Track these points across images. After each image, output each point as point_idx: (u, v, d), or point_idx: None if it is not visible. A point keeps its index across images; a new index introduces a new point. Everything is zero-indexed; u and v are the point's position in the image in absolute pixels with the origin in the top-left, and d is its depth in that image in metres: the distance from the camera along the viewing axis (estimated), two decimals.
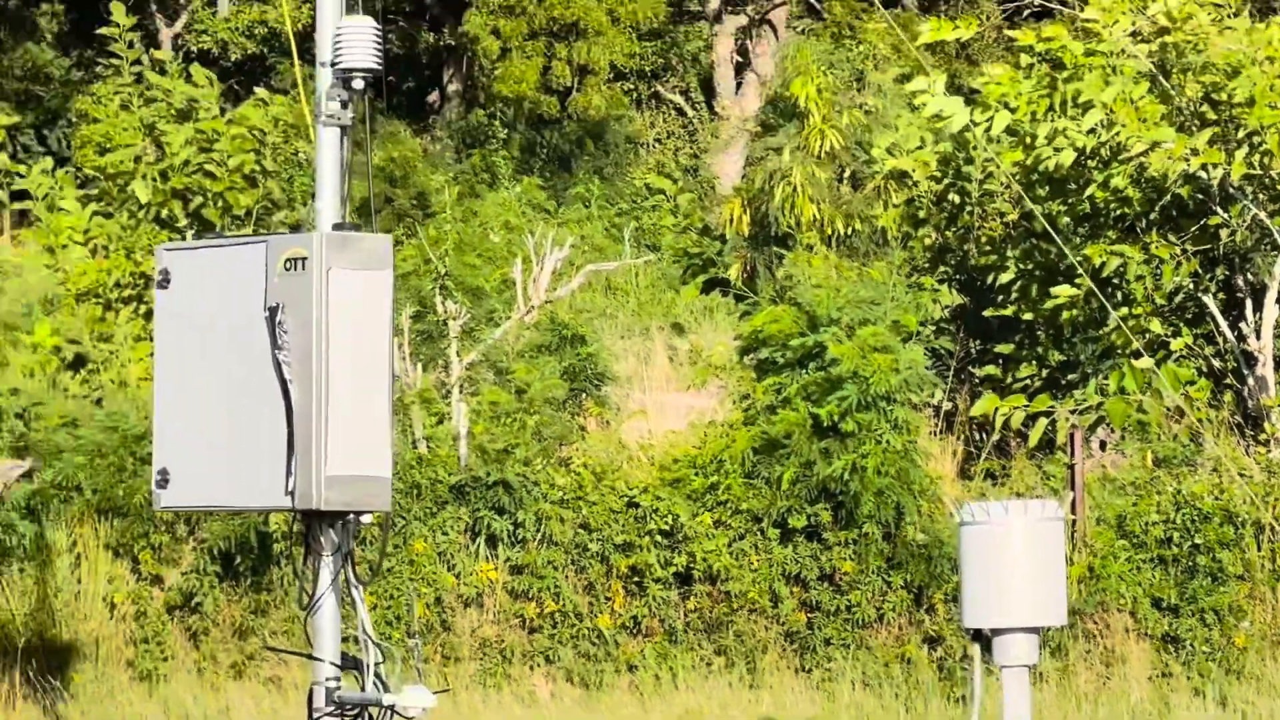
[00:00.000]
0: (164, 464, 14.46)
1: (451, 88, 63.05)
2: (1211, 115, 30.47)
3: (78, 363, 35.38)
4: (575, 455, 30.07)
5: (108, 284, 37.81)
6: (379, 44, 14.80)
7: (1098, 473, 28.37)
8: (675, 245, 51.44)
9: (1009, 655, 14.93)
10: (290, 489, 13.86)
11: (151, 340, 34.58)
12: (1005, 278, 31.97)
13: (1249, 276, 30.44)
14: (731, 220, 49.68)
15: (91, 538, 26.70)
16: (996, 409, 31.22)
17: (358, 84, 14.58)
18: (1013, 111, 31.97)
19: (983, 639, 15.32)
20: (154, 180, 41.48)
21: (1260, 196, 30.26)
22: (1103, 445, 29.55)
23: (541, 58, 58.26)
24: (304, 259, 13.82)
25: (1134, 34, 31.54)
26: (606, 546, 28.02)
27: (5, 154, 41.95)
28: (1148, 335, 30.43)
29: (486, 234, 45.31)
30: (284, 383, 13.88)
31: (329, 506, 13.95)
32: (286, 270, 13.83)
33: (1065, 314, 31.01)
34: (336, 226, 14.34)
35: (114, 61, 45.33)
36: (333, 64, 14.53)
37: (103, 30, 46.34)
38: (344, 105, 14.70)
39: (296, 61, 19.09)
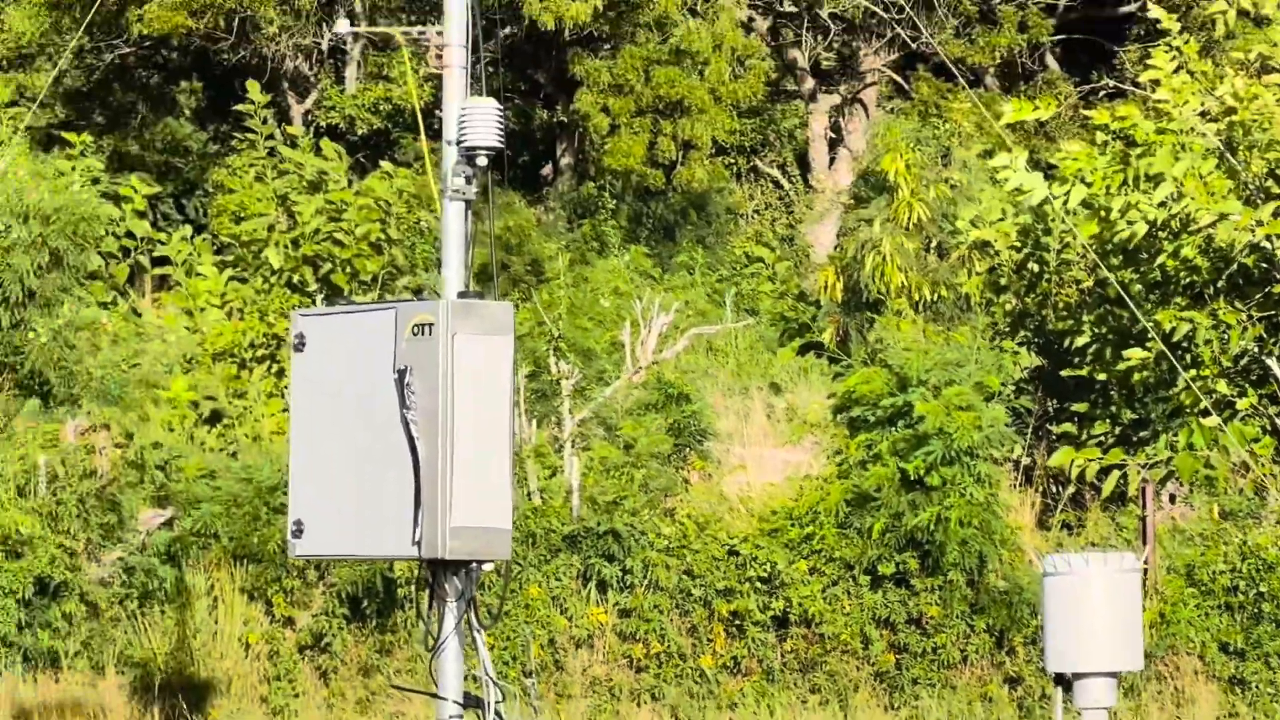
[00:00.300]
0: (299, 515, 14.51)
1: (564, 161, 63.00)
2: (1276, 189, 30.32)
3: (214, 418, 35.48)
4: (680, 506, 30.04)
5: (242, 344, 37.92)
6: (501, 123, 14.80)
7: (1168, 524, 28.26)
8: (773, 310, 51.43)
9: (1089, 698, 14.84)
10: (417, 539, 13.92)
11: (283, 397, 34.68)
12: (1081, 341, 31.87)
13: None
14: (825, 287, 49.57)
15: (228, 582, 26.70)
16: (1072, 462, 31.11)
17: (481, 161, 14.60)
18: (1088, 186, 31.85)
19: (1064, 682, 15.12)
20: (286, 247, 41.48)
21: None
22: (1172, 498, 29.41)
23: (648, 134, 58.17)
24: (431, 325, 13.85)
25: (1203, 113, 31.41)
26: (709, 592, 28.05)
27: (147, 222, 41.97)
28: (1215, 395, 30.28)
29: (597, 299, 45.27)
30: (412, 440, 13.90)
31: (453, 556, 14.03)
32: (414, 335, 13.89)
33: (1137, 375, 30.91)
34: (461, 294, 14.41)
35: (249, 136, 45.35)
36: (458, 142, 14.54)
37: (239, 107, 46.46)
38: (468, 180, 14.72)
39: (423, 136, 19.02)
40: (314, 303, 38.60)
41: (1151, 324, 30.38)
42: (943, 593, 26.58)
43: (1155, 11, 34.80)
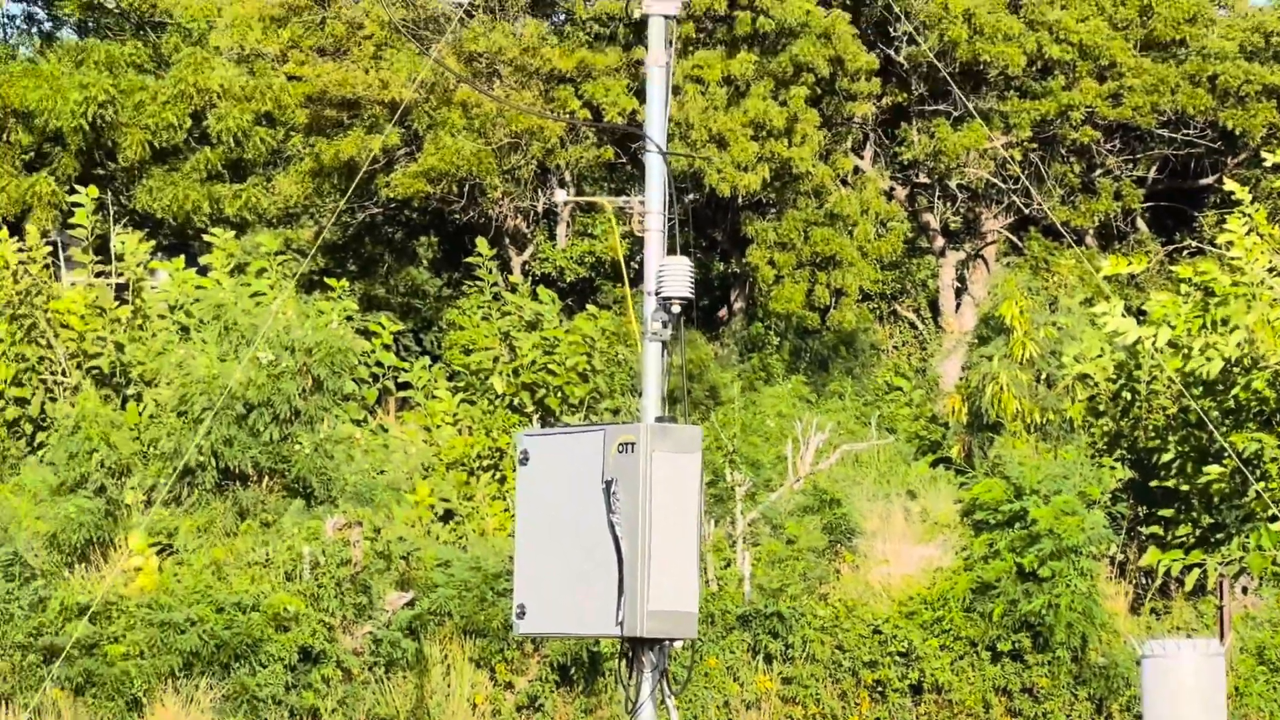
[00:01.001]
0: (522, 600, 14.77)
1: (736, 305, 63.19)
2: None
3: (447, 516, 35.61)
4: (832, 592, 29.90)
5: (471, 456, 38.14)
6: (692, 277, 15.06)
7: (1241, 612, 28.21)
8: (909, 430, 51.50)
9: None
10: (620, 620, 14.10)
11: (505, 500, 34.98)
12: (1166, 457, 31.91)
13: None
14: (953, 411, 49.64)
15: (458, 652, 26.83)
16: (1159, 560, 31.21)
17: (675, 308, 14.83)
18: (1173, 329, 31.93)
19: None
20: (507, 376, 41.86)
21: None
22: (1245, 590, 29.38)
23: (806, 283, 58.26)
24: (633, 444, 14.08)
25: (1271, 269, 31.52)
26: (856, 663, 27.98)
27: (391, 353, 42.30)
28: None
29: (764, 420, 45.54)
30: (616, 540, 14.12)
31: (650, 635, 14.22)
32: (620, 452, 14.09)
33: (1215, 486, 30.90)
34: (658, 419, 14.61)
35: (477, 283, 45.60)
36: (657, 292, 14.76)
37: (468, 259, 46.75)
38: (664, 325, 14.94)
39: (626, 284, 19.43)
40: (531, 423, 38.99)
41: (1228, 444, 30.43)
42: (1051, 667, 26.64)
43: (1230, 185, 35.02)
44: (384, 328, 42.65)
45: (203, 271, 39.41)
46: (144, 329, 38.34)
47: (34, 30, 62.77)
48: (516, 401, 41.15)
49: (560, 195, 25.20)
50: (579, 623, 14.44)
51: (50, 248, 40.28)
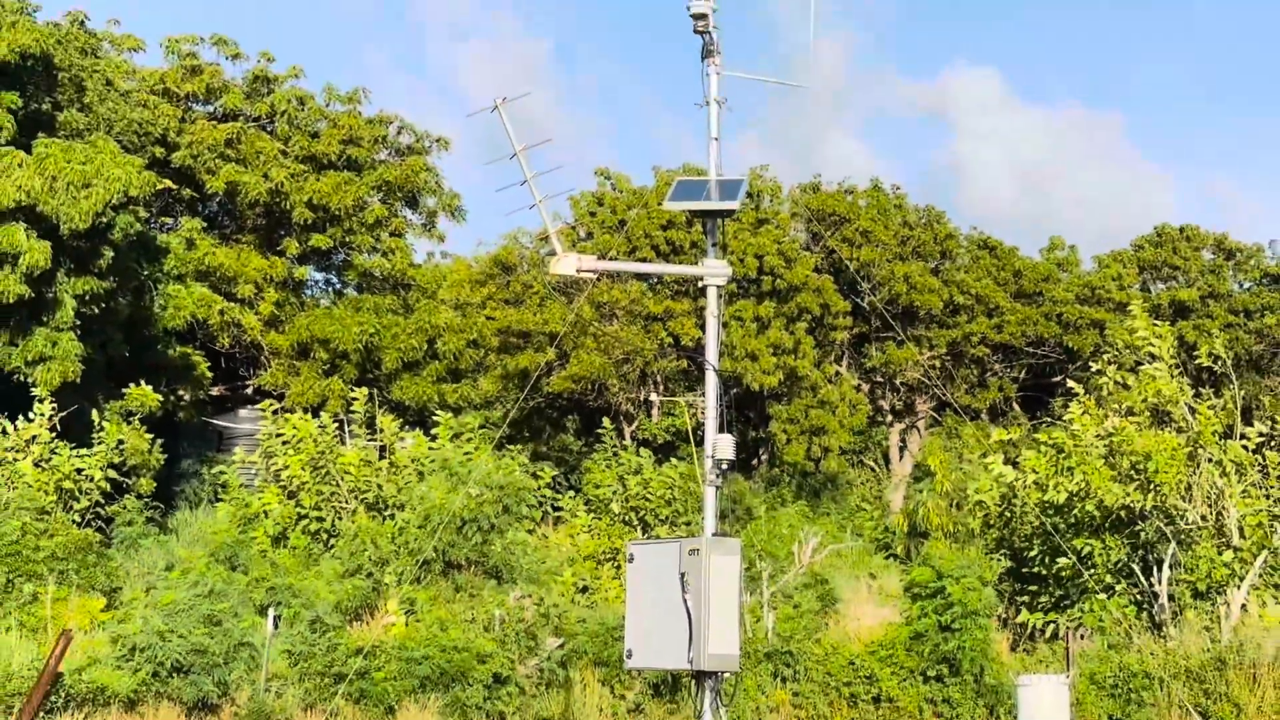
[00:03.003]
0: (631, 645, 14.77)
1: (762, 456, 63.19)
2: (1135, 477, 30.15)
3: (584, 590, 35.32)
4: (824, 638, 29.11)
5: (599, 552, 38.29)
6: (734, 446, 15.00)
7: (1080, 651, 27.89)
8: (871, 536, 51.47)
9: None
10: (690, 659, 14.08)
11: (619, 580, 34.77)
12: (1032, 554, 31.80)
13: (1156, 558, 29.98)
14: (899, 524, 49.75)
15: (591, 676, 26.55)
16: (1028, 619, 31.01)
17: (725, 467, 14.78)
18: (1036, 473, 31.87)
19: None
20: (622, 502, 42.08)
21: (1159, 521, 29.90)
22: (1082, 637, 29.05)
23: (806, 443, 58.45)
24: (698, 550, 14.10)
25: (1098, 435, 31.43)
26: (839, 683, 27.17)
27: (549, 489, 42.30)
28: (1103, 583, 30.07)
29: (779, 529, 45.56)
30: (687, 609, 14.10)
31: (709, 667, 14.29)
32: (690, 555, 14.17)
33: (1063, 572, 30.68)
34: (714, 534, 14.58)
35: (602, 444, 45.70)
36: (712, 455, 14.68)
37: (598, 430, 46.81)
38: (718, 477, 14.87)
39: (694, 447, 19.37)
40: (636, 533, 39.37)
41: (1069, 546, 30.29)
42: (961, 686, 26.36)
43: (1071, 383, 35.08)
44: (545, 473, 42.76)
45: (433, 439, 39.50)
46: (396, 474, 38.44)
47: (330, 289, 63.25)
48: (626, 519, 41.38)
49: (654, 395, 25.34)
50: (666, 660, 14.53)
51: (338, 425, 40.44)
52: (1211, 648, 27.13)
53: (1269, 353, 69.38)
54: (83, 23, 54.23)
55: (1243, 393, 34.13)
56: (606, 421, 50.30)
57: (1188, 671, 25.95)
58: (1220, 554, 29.74)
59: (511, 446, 43.79)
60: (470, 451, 39.27)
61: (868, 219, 65.09)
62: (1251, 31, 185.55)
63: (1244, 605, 29.44)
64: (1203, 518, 30.10)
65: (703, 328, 15.39)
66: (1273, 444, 30.89)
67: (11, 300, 39.04)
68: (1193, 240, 72.88)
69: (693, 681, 16.62)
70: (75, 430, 39.32)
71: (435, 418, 41.82)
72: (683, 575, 14.23)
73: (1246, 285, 72.01)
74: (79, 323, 41.31)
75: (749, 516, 48.41)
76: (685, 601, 14.23)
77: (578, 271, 15.10)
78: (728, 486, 18.17)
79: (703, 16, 14.46)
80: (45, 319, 40.65)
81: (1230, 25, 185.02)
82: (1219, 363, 34.36)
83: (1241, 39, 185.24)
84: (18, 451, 36.56)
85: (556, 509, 43.01)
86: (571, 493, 44.80)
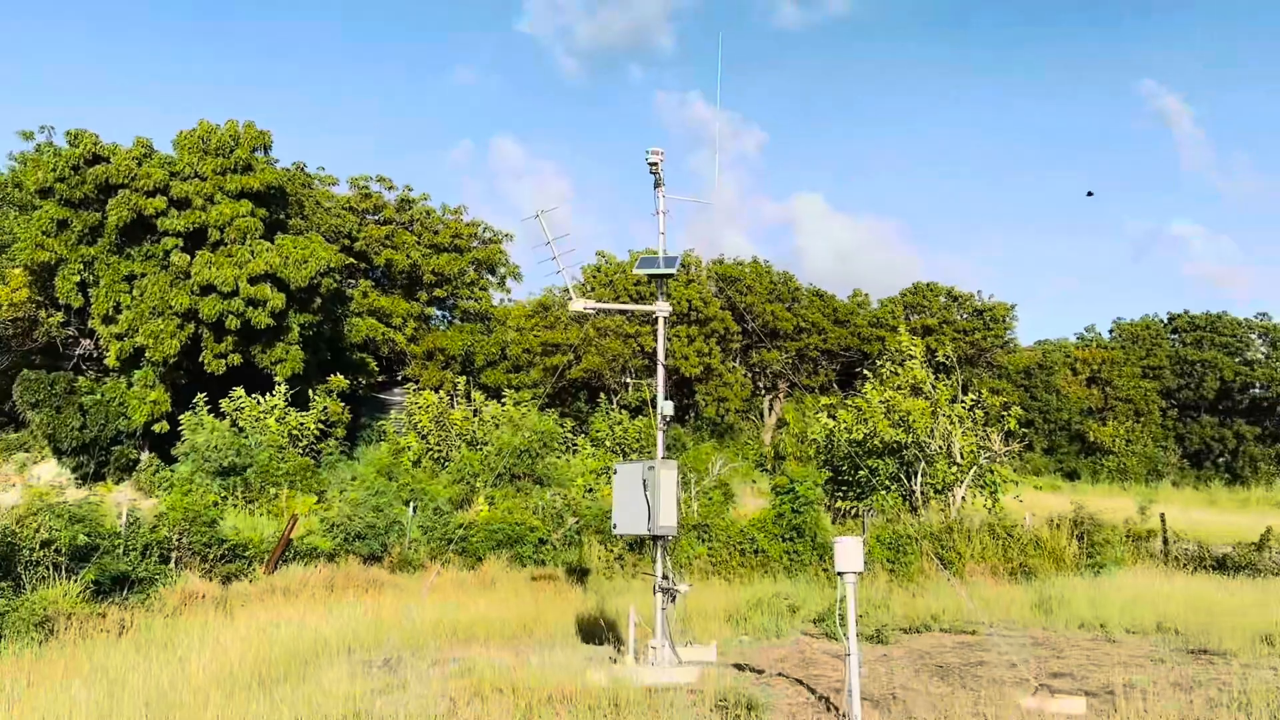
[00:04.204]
0: (616, 521, 14.57)
1: (690, 414, 62.60)
2: (902, 424, 30.04)
3: (590, 490, 33.70)
4: (726, 518, 27.69)
5: (599, 468, 36.59)
6: (674, 408, 14.78)
7: (871, 521, 27.61)
8: (753, 459, 50.94)
9: (850, 581, 13.31)
10: (649, 528, 13.91)
11: (610, 486, 33.78)
12: (845, 469, 31.46)
13: (913, 470, 29.84)
14: (770, 453, 49.32)
15: (594, 539, 25.29)
16: (840, 505, 30.79)
17: (668, 419, 14.54)
18: (846, 423, 31.67)
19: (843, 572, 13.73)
20: (611, 441, 41.58)
21: (915, 450, 29.79)
22: (872, 515, 28.83)
23: (716, 406, 57.85)
24: (654, 466, 13.93)
25: (882, 401, 31.31)
26: (733, 543, 25.49)
27: (570, 433, 41.81)
28: (885, 485, 29.89)
29: (701, 455, 44.67)
30: (647, 500, 13.95)
31: (660, 534, 13.99)
32: (649, 470, 13.94)
33: (862, 478, 30.46)
34: (663, 458, 14.39)
35: (601, 408, 45.12)
36: (662, 415, 14.45)
37: (598, 401, 46.16)
38: (665, 424, 14.59)
39: (654, 411, 18.72)
40: (620, 458, 38.71)
41: (866, 465, 30.15)
42: (805, 543, 25.64)
43: (867, 373, 34.87)
44: (567, 424, 42.54)
45: (503, 405, 39.38)
46: (483, 425, 38.22)
47: (445, 320, 63.02)
48: (614, 450, 41.03)
49: (629, 380, 24.86)
50: (636, 528, 14.19)
51: (449, 397, 40.23)
52: (945, 521, 27.13)
53: (977, 354, 69.62)
54: (303, 168, 54.24)
55: (962, 377, 34.11)
56: (603, 395, 50.25)
57: (932, 534, 25.91)
58: (950, 468, 29.76)
59: (549, 410, 43.67)
60: (525, 412, 39.15)
61: (750, 279, 64.99)
62: (977, 161, 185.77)
63: (963, 497, 29.48)
64: (939, 447, 30.14)
65: (656, 340, 15.29)
66: (979, 406, 30.92)
67: (263, 327, 39.27)
68: (934, 290, 72.90)
69: (651, 541, 16.44)
70: (299, 401, 39.57)
71: (505, 394, 41.69)
72: (644, 481, 14.10)
73: (965, 315, 72.11)
74: (301, 340, 41.36)
75: (683, 449, 47.88)
76: (646, 496, 14.06)
77: (584, 309, 15.09)
78: (670, 431, 17.49)
79: (654, 163, 14.55)
80: (282, 338, 40.67)
81: (962, 156, 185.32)
82: (948, 360, 34.40)
83: (976, 168, 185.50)
84: (266, 413, 36.55)
85: (574, 445, 42.88)
86: (582, 436, 44.63)
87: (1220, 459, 73.78)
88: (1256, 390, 75.30)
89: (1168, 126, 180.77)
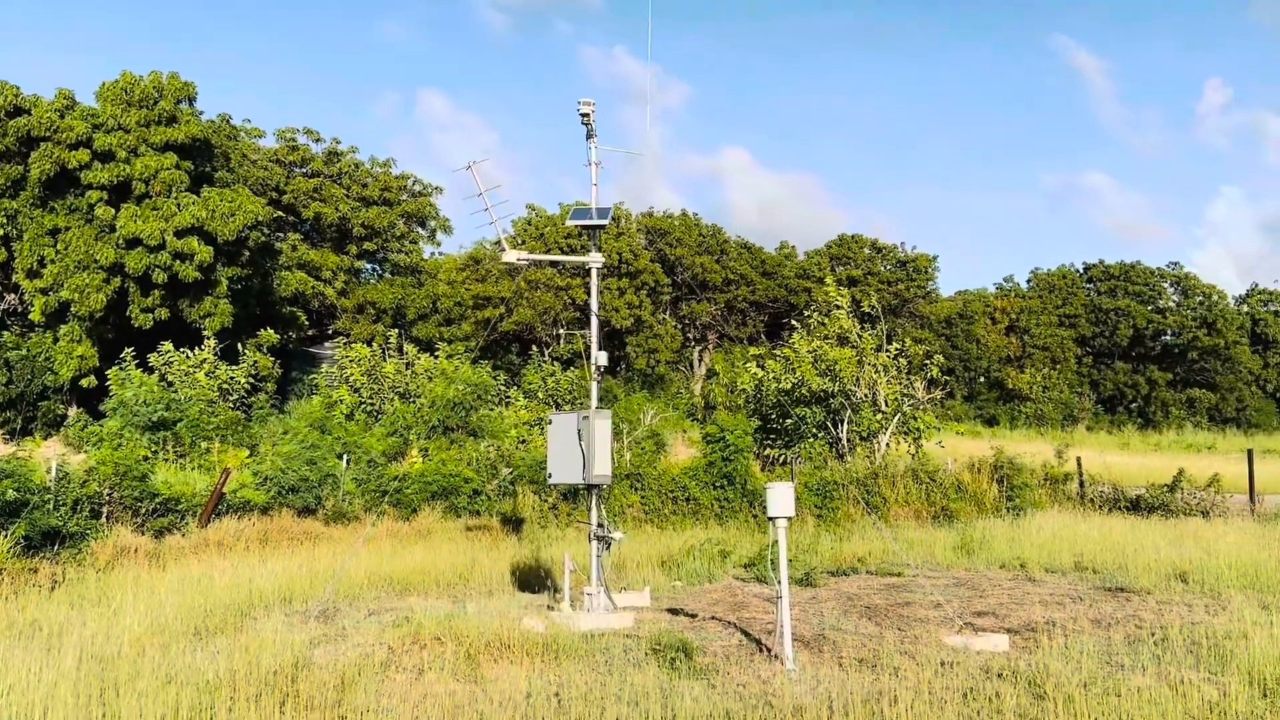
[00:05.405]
0: (551, 470, 14.46)
1: (622, 365, 62.71)
2: (829, 373, 30.29)
3: (523, 442, 33.20)
4: (658, 466, 27.48)
5: (532, 420, 36.69)
6: (607, 359, 14.73)
7: (800, 469, 27.81)
8: (684, 408, 50.80)
9: (781, 527, 12.60)
10: (584, 477, 13.89)
11: (543, 437, 33.45)
12: (773, 417, 31.69)
13: (840, 418, 30.13)
14: (700, 402, 49.58)
15: (528, 489, 25.22)
16: (769, 452, 30.97)
17: (602, 369, 14.51)
18: (775, 372, 31.85)
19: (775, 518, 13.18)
20: (544, 392, 41.47)
21: (841, 398, 30.04)
22: (798, 461, 29.06)
23: (647, 358, 57.88)
24: (588, 416, 13.86)
25: (809, 350, 31.51)
26: (665, 490, 25.46)
27: (503, 385, 41.60)
28: (812, 433, 30.09)
29: (633, 406, 44.62)
30: (582, 449, 13.91)
31: (594, 482, 13.96)
32: (583, 419, 13.87)
33: (789, 426, 30.68)
34: (597, 408, 14.34)
35: (533, 360, 44.90)
36: (596, 365, 14.40)
37: (530, 353, 45.97)
38: (598, 374, 14.56)
39: (589, 362, 18.67)
40: (554, 409, 38.54)
41: (795, 412, 30.37)
42: (734, 489, 25.61)
43: (795, 323, 35.05)
44: (500, 377, 42.31)
45: (436, 358, 39.08)
46: (415, 378, 37.93)
47: (375, 273, 62.26)
48: (546, 401, 40.97)
49: (561, 331, 24.57)
50: (571, 477, 14.12)
51: (381, 351, 39.86)
52: (871, 467, 27.41)
53: (901, 304, 70.36)
54: (228, 120, 53.02)
55: (886, 327, 34.45)
56: (535, 348, 50.11)
57: (858, 480, 26.15)
58: (875, 415, 30.09)
59: (482, 362, 43.43)
60: (458, 365, 38.90)
61: (680, 232, 64.97)
62: (893, 122, 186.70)
63: (887, 444, 29.83)
64: (865, 396, 30.45)
65: (589, 293, 15.21)
66: (902, 355, 31.26)
67: (190, 281, 38.69)
68: (859, 242, 73.44)
69: (585, 490, 16.45)
70: (228, 356, 38.95)
71: (438, 347, 41.37)
72: (579, 431, 14.03)
73: (889, 266, 72.79)
74: (229, 293, 40.71)
75: (615, 400, 48.04)
76: (580, 446, 14.00)
77: (517, 260, 14.93)
78: (603, 382, 17.48)
79: (586, 114, 14.38)
80: (210, 292, 40.00)
81: (878, 120, 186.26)
82: (874, 310, 34.68)
83: (890, 128, 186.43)
84: (195, 368, 35.94)
85: (507, 397, 42.72)
86: (515, 388, 44.47)
87: (1133, 404, 75.58)
88: (1168, 337, 77.11)
89: (1079, 81, 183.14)
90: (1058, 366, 73.64)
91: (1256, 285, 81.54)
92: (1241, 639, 11.14)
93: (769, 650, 11.55)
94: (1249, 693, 9.45)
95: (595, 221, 14.42)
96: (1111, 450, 49.05)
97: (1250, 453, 28.28)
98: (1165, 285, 79.30)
